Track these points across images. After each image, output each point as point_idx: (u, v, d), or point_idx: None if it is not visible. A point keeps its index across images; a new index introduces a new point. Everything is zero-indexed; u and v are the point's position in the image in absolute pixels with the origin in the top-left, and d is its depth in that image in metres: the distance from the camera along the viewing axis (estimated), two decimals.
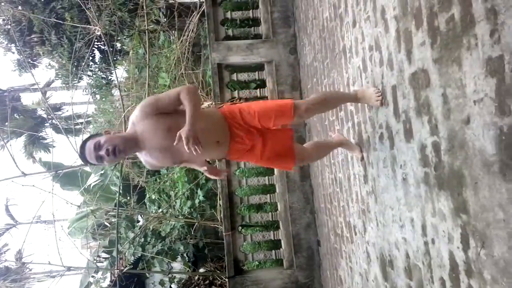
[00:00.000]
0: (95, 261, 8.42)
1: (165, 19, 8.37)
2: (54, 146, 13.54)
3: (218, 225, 6.39)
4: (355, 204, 3.44)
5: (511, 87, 1.40)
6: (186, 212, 7.19)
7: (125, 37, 9.89)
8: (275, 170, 5.35)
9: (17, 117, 15.32)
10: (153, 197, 8.06)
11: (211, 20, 5.48)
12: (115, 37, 9.64)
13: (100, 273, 8.79)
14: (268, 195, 5.45)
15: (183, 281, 7.50)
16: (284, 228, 5.29)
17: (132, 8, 8.86)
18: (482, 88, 1.54)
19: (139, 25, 8.48)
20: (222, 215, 5.37)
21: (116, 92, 10.89)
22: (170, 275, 7.20)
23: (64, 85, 12.97)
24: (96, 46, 10.94)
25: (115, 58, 10.80)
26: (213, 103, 5.46)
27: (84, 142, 2.39)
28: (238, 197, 5.42)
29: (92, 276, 8.94)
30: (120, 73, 11.26)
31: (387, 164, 2.58)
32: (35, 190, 5.99)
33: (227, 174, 2.65)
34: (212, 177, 2.81)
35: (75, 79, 11.02)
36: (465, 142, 1.68)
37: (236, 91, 5.53)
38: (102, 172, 10.04)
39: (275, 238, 5.46)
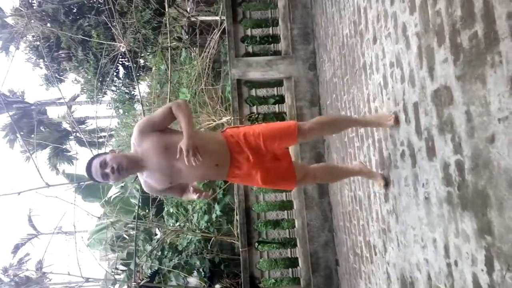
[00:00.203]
0: (113, 273, 8.45)
1: (187, 36, 8.52)
2: (77, 159, 13.81)
3: (234, 240, 6.37)
4: (375, 223, 3.37)
5: None
6: (203, 227, 7.19)
7: (148, 53, 10.10)
8: None
9: (43, 130, 15.73)
10: (171, 210, 8.11)
11: (231, 37, 5.55)
12: (139, 54, 9.86)
13: (117, 285, 8.83)
14: (286, 211, 5.40)
15: None
16: (302, 246, 5.21)
17: (156, 26, 9.07)
18: (506, 106, 1.51)
19: (162, 42, 8.65)
20: (238, 230, 5.34)
21: (138, 106, 11.06)
22: None
23: (88, 99, 13.28)
24: (120, 62, 11.20)
25: (138, 74, 11.03)
26: (232, 118, 5.49)
27: (91, 160, 2.46)
28: (255, 212, 5.38)
29: None
30: (142, 88, 11.49)
31: (409, 183, 2.53)
32: (58, 201, 6.09)
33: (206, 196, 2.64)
34: (194, 196, 2.62)
35: (99, 94, 11.28)
36: (489, 161, 1.64)
37: (255, 107, 5.56)
38: (123, 184, 10.15)
39: (292, 256, 5.39)
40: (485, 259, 1.72)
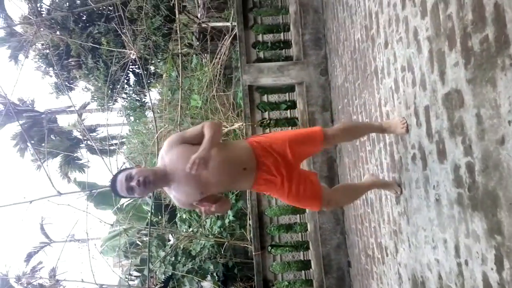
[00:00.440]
0: (127, 279, 8.52)
1: (198, 43, 8.60)
2: (88, 167, 13.92)
3: (247, 244, 6.41)
4: (387, 225, 3.40)
5: None
6: (216, 232, 7.24)
7: (159, 60, 10.18)
8: None
9: (54, 138, 15.83)
10: (184, 216, 8.15)
11: (242, 43, 5.58)
12: (149, 61, 9.93)
13: None
14: (298, 215, 5.43)
15: None
16: (314, 249, 5.25)
17: (166, 32, 9.13)
18: None
19: (172, 49, 8.72)
20: (251, 235, 5.38)
21: (149, 113, 11.16)
22: None
23: (99, 107, 13.37)
24: (131, 70, 11.26)
25: (149, 81, 11.10)
26: (244, 124, 5.54)
27: (116, 175, 2.44)
28: (268, 217, 5.42)
29: None
30: (153, 95, 11.57)
31: (420, 185, 2.57)
32: (70, 209, 6.18)
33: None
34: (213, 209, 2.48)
35: (110, 102, 11.35)
36: (499, 162, 1.67)
37: (267, 112, 5.59)
38: None
39: (305, 259, 5.42)
40: (495, 258, 1.76)
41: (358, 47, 3.97)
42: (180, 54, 7.46)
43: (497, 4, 1.61)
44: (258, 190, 2.84)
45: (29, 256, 16.59)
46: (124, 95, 12.01)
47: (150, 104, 9.18)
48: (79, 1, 11.27)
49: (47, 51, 11.77)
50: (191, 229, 7.86)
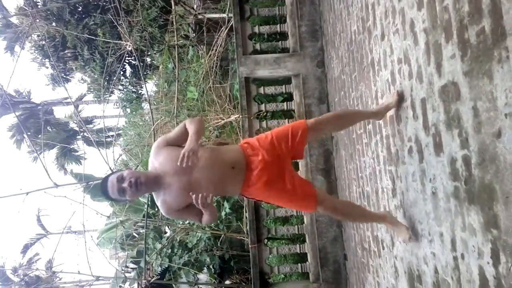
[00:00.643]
0: (123, 271, 8.53)
1: (194, 34, 8.55)
2: (85, 158, 13.88)
3: (244, 237, 6.41)
4: None
5: None
6: (212, 224, 7.23)
7: (155, 52, 10.13)
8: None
9: (50, 130, 15.80)
10: None
11: (239, 35, 5.56)
12: (146, 52, 9.89)
13: (128, 283, 8.90)
14: None
15: None
16: (310, 242, 5.26)
17: (163, 24, 9.08)
18: None
19: (169, 40, 8.68)
20: (248, 227, 5.39)
21: (146, 105, 11.12)
22: (196, 287, 7.24)
23: (95, 99, 13.34)
24: (127, 61, 11.24)
25: (145, 73, 11.06)
26: (240, 116, 5.52)
27: (107, 177, 2.44)
28: (264, 209, 5.42)
29: (120, 286, 9.08)
30: (150, 87, 11.52)
31: (416, 178, 2.56)
32: (66, 201, 6.17)
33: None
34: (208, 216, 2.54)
35: (106, 93, 11.31)
36: (496, 155, 1.66)
37: (263, 105, 5.58)
38: None
39: (301, 251, 5.43)
40: (491, 252, 1.75)
41: (355, 39, 3.95)
42: (176, 46, 7.42)
43: None
44: (249, 195, 2.73)
45: (26, 248, 16.63)
46: (120, 87, 11.99)
47: (146, 96, 9.14)
48: None
49: (43, 42, 11.73)
50: (187, 221, 7.85)
